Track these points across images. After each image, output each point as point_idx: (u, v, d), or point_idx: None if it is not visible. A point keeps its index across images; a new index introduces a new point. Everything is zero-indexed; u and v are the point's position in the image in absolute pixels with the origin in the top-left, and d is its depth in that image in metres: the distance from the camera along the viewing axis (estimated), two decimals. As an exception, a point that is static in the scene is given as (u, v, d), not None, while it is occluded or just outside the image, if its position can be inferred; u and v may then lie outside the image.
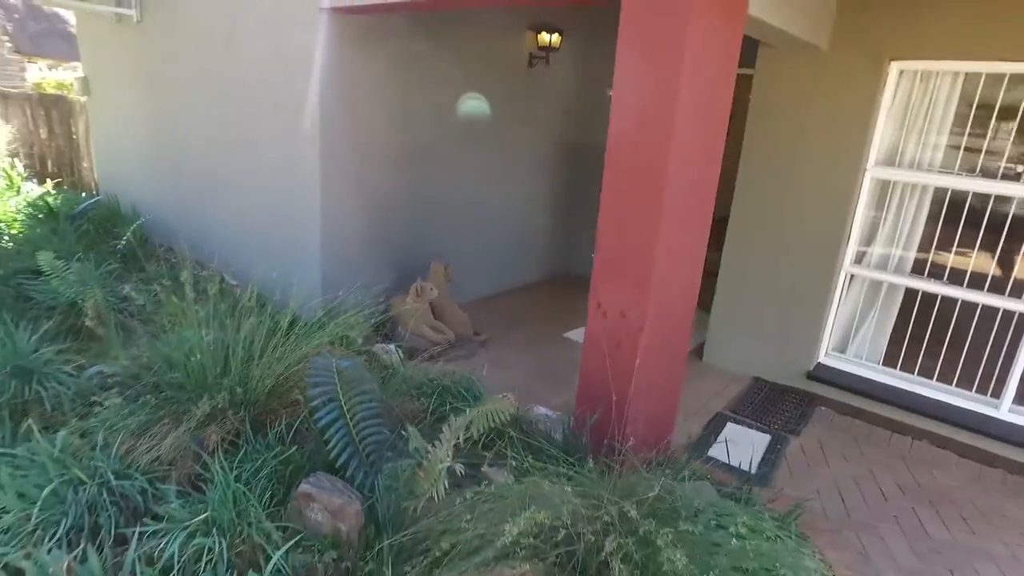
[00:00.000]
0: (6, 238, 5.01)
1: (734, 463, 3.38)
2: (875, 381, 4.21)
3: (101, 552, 2.08)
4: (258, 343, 3.00)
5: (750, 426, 3.91)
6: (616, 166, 2.75)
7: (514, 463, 2.41)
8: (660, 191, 2.63)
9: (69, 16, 14.45)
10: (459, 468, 2.24)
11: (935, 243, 4.00)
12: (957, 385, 3.99)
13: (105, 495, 2.25)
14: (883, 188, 4.11)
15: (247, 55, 4.59)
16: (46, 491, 2.20)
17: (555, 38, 5.31)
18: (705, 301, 4.84)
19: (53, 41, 15.15)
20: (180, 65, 5.28)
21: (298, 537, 2.24)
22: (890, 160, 4.03)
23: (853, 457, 3.72)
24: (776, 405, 4.22)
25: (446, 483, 2.24)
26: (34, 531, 2.10)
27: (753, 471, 3.39)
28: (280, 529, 2.31)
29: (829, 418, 4.17)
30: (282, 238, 4.66)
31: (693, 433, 3.73)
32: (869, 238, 4.24)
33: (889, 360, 4.28)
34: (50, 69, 15.82)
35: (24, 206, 5.87)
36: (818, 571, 2.23)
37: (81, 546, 2.06)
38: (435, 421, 3.09)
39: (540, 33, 5.28)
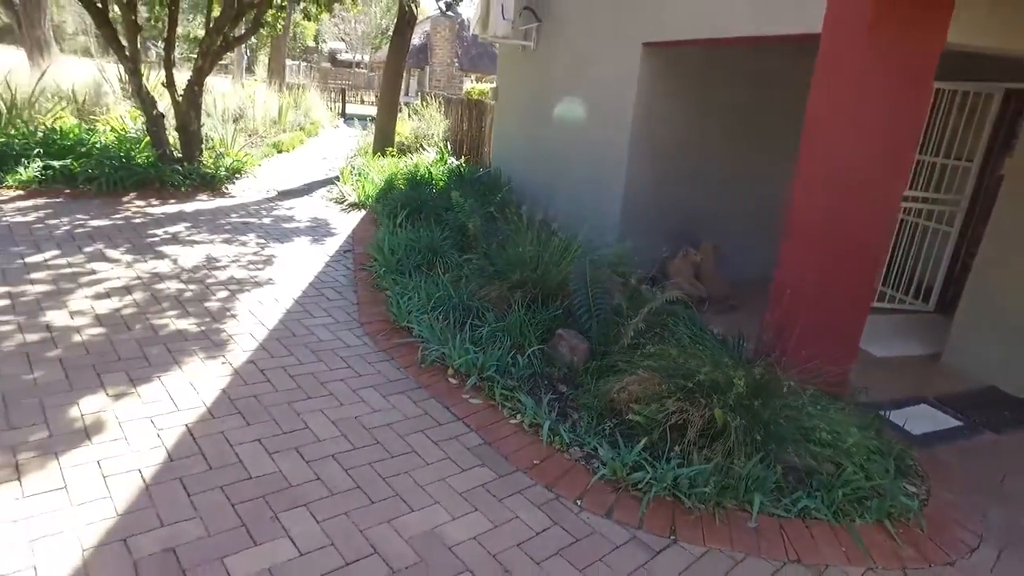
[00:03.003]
0: (434, 189, 7.88)
1: (900, 424, 3.92)
2: None
3: (454, 324, 4.10)
4: (557, 256, 4.81)
5: (945, 412, 4.27)
6: (804, 169, 3.74)
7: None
8: (827, 186, 3.57)
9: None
10: (642, 325, 3.65)
11: None
12: None
13: (460, 305, 4.29)
14: None
15: (593, 75, 6.45)
16: (435, 296, 4.34)
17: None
18: (948, 307, 5.09)
19: (484, 60, 20.05)
20: (551, 81, 7.47)
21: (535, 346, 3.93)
22: None
23: (1051, 463, 3.82)
24: (995, 410, 4.36)
25: (632, 334, 3.67)
26: (430, 310, 4.25)
27: (916, 434, 3.89)
28: (540, 352, 4.03)
29: (1053, 435, 4.18)
30: (594, 207, 6.43)
31: (878, 397, 4.23)
32: None
33: None
34: (476, 81, 20.87)
35: (446, 171, 8.90)
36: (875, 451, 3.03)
37: (447, 320, 4.11)
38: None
39: (838, 56, 6.00)
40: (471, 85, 18.67)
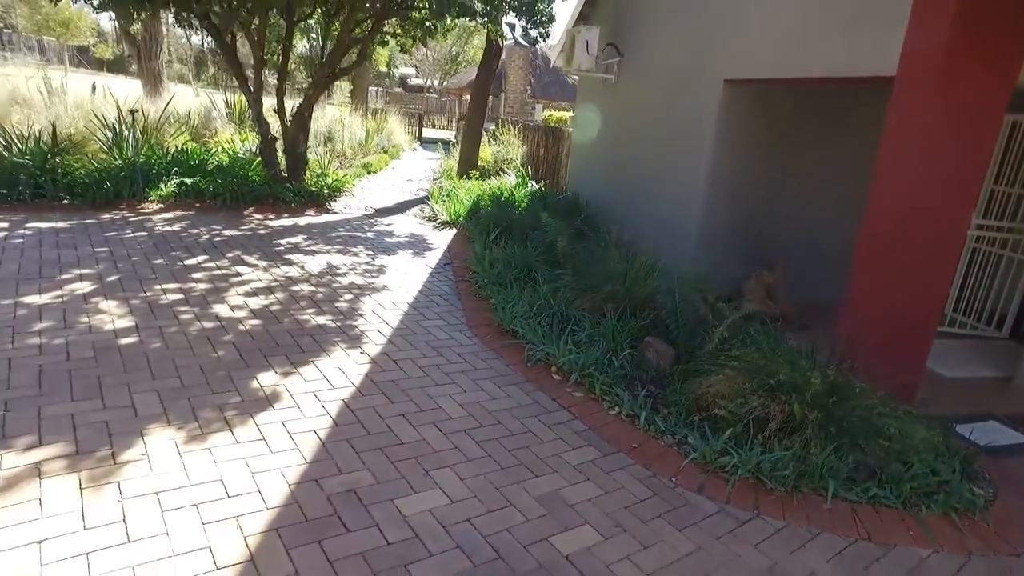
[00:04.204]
0: (518, 210, 8.51)
1: (966, 435, 4.20)
2: None
3: (554, 329, 4.65)
4: (643, 273, 5.31)
5: (1015, 429, 4.52)
6: (876, 195, 4.14)
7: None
8: (897, 212, 3.97)
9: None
10: (726, 334, 4.11)
11: None
12: None
13: (560, 313, 4.84)
14: None
15: (673, 108, 6.96)
16: (537, 304, 4.91)
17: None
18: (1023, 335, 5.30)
19: (554, 88, 20.82)
20: (631, 112, 8.01)
21: (621, 350, 4.43)
22: None
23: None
24: (1068, 430, 4.60)
25: (716, 341, 4.13)
26: (533, 316, 4.81)
27: (981, 444, 4.16)
28: (630, 356, 4.52)
29: None
30: (673, 230, 6.90)
31: (945, 411, 4.49)
32: None
33: None
34: (544, 108, 21.62)
35: (528, 194, 9.53)
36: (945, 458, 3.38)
37: (549, 326, 4.67)
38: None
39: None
40: (547, 113, 19.40)
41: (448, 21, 9.78)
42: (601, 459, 3.45)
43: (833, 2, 4.77)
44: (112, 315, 4.41)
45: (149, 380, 3.60)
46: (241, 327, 4.49)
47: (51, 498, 2.58)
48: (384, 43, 10.17)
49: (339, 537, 2.59)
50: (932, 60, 3.84)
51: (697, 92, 6.45)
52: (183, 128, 11.97)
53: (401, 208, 9.72)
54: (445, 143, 18.78)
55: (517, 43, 16.58)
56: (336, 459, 3.12)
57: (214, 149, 10.81)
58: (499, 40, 10.84)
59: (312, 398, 3.65)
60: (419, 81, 47.88)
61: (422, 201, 10.14)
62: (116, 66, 36.96)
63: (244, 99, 14.55)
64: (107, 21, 42.93)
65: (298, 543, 2.53)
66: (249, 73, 9.45)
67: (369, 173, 12.81)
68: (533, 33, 9.07)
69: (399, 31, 10.16)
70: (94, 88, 12.49)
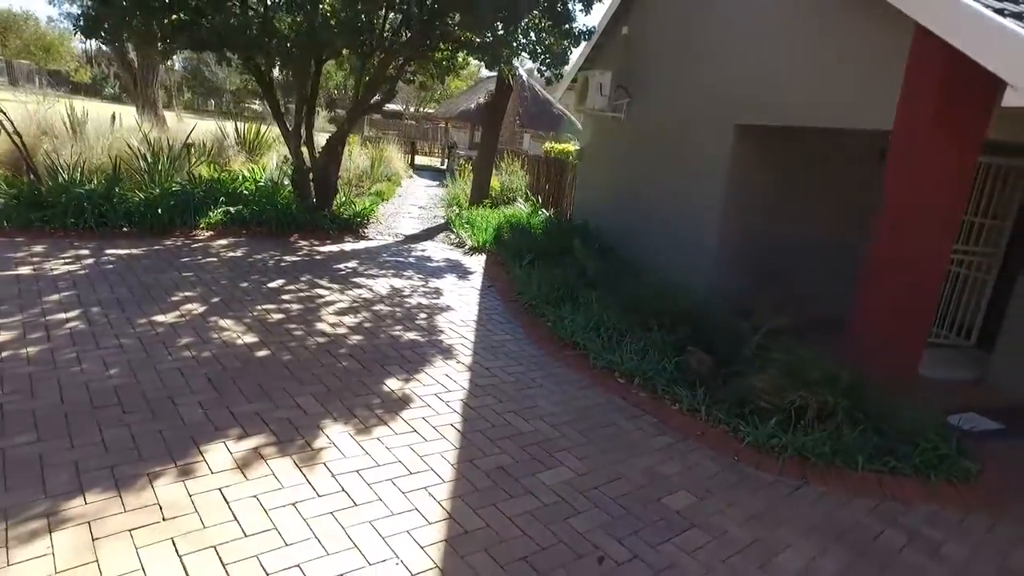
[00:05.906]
0: (537, 237, 9.35)
1: (954, 423, 5.14)
2: None
3: (609, 341, 5.48)
4: (677, 293, 6.19)
5: (991, 419, 5.49)
6: (881, 224, 5.11)
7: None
8: (897, 238, 4.93)
9: (554, 102, 20.90)
10: (760, 341, 4.99)
11: None
12: None
13: (616, 327, 5.67)
14: None
15: (686, 147, 7.91)
16: (592, 319, 5.73)
17: (904, 140, 7.38)
18: (986, 343, 6.33)
19: (542, 119, 21.88)
20: (642, 148, 8.96)
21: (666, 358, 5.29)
22: None
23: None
24: (1028, 419, 5.60)
25: (754, 348, 5.01)
26: (591, 330, 5.62)
27: (963, 427, 5.11)
28: (675, 363, 5.36)
29: (1075, 437, 5.38)
30: (687, 256, 7.81)
31: (934, 406, 5.47)
32: None
33: None
34: (531, 138, 22.63)
35: (542, 221, 10.39)
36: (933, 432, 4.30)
37: (608, 339, 5.49)
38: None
39: (891, 136, 7.40)
40: (548, 144, 20.45)
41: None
42: (676, 444, 4.27)
43: (837, 60, 5.73)
44: (235, 332, 5.07)
45: (299, 385, 4.29)
46: (349, 341, 5.20)
47: (281, 474, 3.27)
48: (410, 81, 10.98)
49: (507, 501, 3.34)
50: (921, 121, 4.84)
51: (709, 133, 7.40)
52: (202, 157, 12.52)
53: (427, 235, 10.46)
54: (437, 171, 19.57)
55: (513, 78, 17.32)
56: (477, 445, 3.86)
57: (239, 178, 11.41)
58: (510, 79, 11.77)
59: (437, 399, 4.39)
60: (395, 107, 48.59)
61: (444, 228, 10.91)
62: (91, 90, 36.91)
63: (254, 128, 15.24)
64: (79, 45, 42.67)
65: (479, 506, 3.27)
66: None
67: (383, 201, 13.51)
68: (547, 74, 10.00)
69: (420, 70, 10.99)
70: (114, 118, 12.97)
